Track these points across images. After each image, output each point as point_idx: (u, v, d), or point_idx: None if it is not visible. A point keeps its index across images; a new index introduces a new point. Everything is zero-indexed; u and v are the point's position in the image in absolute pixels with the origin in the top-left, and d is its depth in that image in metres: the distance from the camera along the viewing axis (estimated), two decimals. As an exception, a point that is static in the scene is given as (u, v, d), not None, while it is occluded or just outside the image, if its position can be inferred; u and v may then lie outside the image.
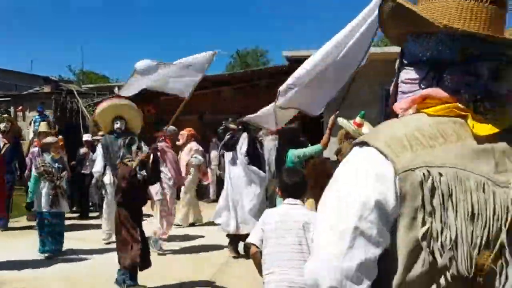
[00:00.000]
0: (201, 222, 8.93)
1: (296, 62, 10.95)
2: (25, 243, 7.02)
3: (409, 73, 1.19)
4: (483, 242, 1.00)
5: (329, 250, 1.05)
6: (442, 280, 1.01)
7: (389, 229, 1.04)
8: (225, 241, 7.33)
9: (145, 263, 4.93)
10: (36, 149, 8.21)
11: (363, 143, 1.11)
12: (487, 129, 1.07)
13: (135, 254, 4.81)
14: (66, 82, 19.22)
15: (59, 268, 5.99)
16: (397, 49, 1.32)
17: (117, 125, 6.98)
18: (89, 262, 6.29)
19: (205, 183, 10.85)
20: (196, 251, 6.79)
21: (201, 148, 9.10)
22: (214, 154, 10.53)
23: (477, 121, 1.08)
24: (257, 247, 2.98)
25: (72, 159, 9.36)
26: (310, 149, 5.05)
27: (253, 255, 3.05)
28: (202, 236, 7.81)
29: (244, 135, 6.71)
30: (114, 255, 6.53)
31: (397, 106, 1.19)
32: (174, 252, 6.77)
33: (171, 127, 7.35)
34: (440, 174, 1.02)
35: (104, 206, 7.35)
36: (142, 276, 5.38)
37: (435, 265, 1.01)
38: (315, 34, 62.59)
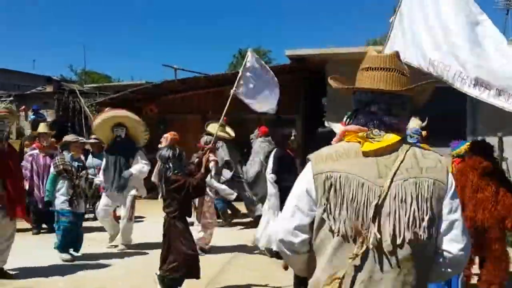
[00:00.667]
0: None
1: (299, 61, 10.99)
2: (26, 242, 7.00)
3: (347, 120, 1.92)
4: (359, 216, 1.65)
5: (282, 217, 1.82)
6: (334, 242, 1.68)
7: (315, 207, 1.73)
8: (227, 242, 7.30)
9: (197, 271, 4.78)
10: (35, 151, 7.99)
11: (308, 159, 1.82)
12: (368, 147, 1.72)
13: (191, 264, 4.70)
14: (69, 82, 19.22)
15: (64, 268, 5.95)
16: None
17: (117, 133, 6.79)
18: (92, 263, 6.21)
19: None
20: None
21: None
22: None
23: (367, 143, 1.72)
24: None
25: None
26: None
27: None
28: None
29: (272, 152, 6.52)
30: (116, 256, 6.51)
31: (333, 141, 1.93)
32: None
33: (208, 137, 7.33)
34: (337, 176, 1.70)
35: (102, 212, 6.98)
36: (147, 279, 5.36)
37: (333, 228, 1.68)
38: (317, 34, 62.46)
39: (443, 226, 1.69)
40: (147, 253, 6.66)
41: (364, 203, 1.65)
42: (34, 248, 6.63)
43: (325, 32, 62.82)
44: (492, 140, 8.52)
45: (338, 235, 1.66)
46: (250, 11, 73.64)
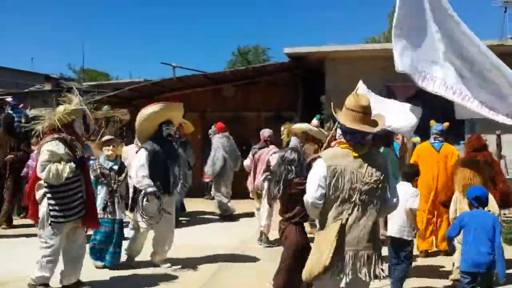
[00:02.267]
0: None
1: (297, 59, 10.98)
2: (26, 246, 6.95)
3: (339, 133, 3.39)
4: (351, 187, 3.18)
5: (309, 190, 3.27)
6: (338, 201, 3.20)
7: (327, 185, 3.19)
8: (225, 241, 7.31)
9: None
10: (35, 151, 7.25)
11: (319, 156, 3.37)
12: (356, 153, 3.23)
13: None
14: (67, 80, 19.20)
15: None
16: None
17: (169, 131, 5.95)
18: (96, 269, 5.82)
19: (206, 180, 10.81)
20: (195, 251, 6.71)
21: None
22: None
23: (355, 151, 3.25)
24: None
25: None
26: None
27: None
28: (201, 236, 7.79)
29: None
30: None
31: (332, 144, 3.54)
32: (174, 253, 6.67)
33: (267, 130, 7.62)
34: (338, 167, 3.20)
35: (143, 225, 5.88)
36: (144, 283, 5.34)
37: (337, 194, 3.20)
38: (316, 32, 62.49)
39: (390, 188, 3.32)
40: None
41: (355, 180, 3.17)
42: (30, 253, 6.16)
43: (324, 30, 62.68)
44: (491, 138, 8.54)
45: (340, 197, 3.17)
46: (249, 9, 73.55)
